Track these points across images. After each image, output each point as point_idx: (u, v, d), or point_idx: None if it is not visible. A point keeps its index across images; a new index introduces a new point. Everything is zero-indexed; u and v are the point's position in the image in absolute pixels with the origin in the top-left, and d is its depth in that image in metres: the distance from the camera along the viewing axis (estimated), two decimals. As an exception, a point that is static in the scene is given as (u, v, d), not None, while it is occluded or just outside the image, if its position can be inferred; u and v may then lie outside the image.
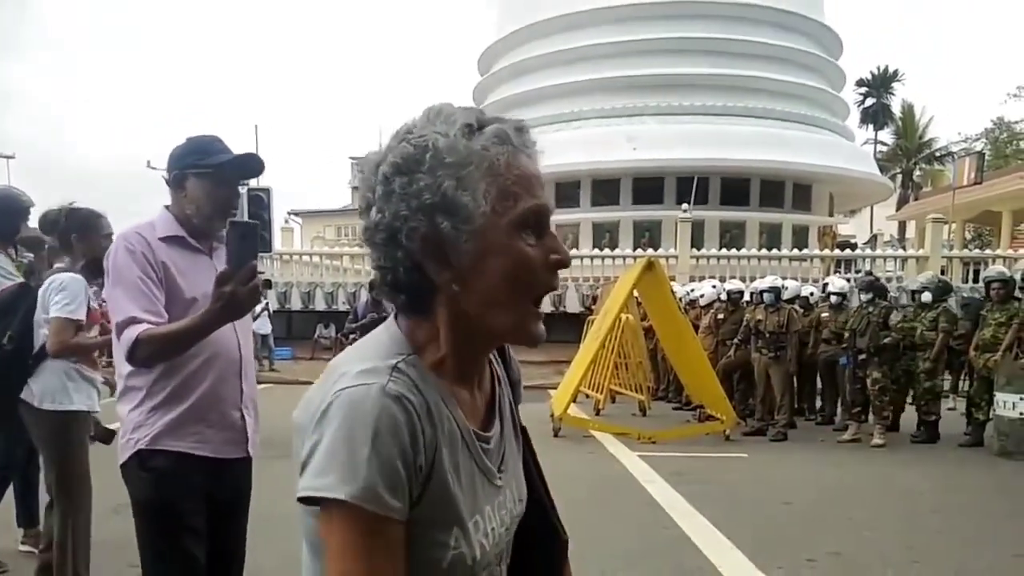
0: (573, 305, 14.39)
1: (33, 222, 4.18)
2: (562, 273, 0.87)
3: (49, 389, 3.14)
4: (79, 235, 3.12)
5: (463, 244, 0.80)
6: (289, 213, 31.84)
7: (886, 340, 7.92)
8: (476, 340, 0.87)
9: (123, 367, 2.01)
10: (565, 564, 1.08)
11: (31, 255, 4.53)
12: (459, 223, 0.80)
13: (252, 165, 2.20)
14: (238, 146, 2.20)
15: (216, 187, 2.09)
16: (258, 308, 12.32)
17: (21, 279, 3.77)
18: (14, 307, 3.28)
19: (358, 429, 0.75)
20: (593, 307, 12.76)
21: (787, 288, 8.95)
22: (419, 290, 0.83)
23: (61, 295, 2.98)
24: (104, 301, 3.38)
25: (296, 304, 17.39)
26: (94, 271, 3.18)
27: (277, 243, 17.27)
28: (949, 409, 9.42)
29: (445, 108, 0.84)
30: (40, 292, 3.10)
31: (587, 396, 9.78)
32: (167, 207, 2.14)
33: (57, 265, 3.22)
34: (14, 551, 4.00)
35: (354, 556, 0.75)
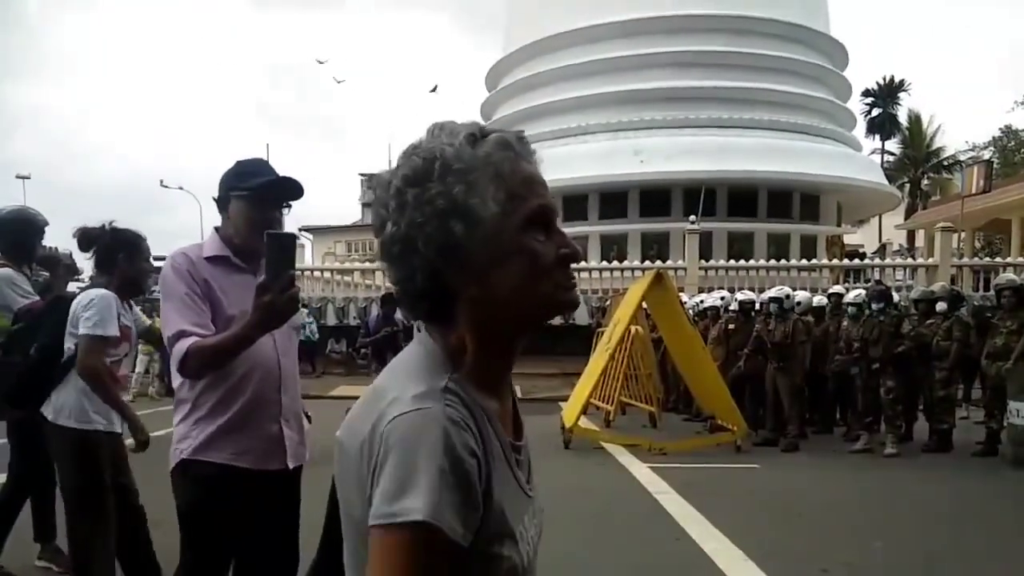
0: (582, 318, 14.36)
1: (48, 240, 4.27)
2: None
3: (66, 405, 3.13)
4: (126, 255, 3.14)
5: (477, 246, 0.83)
6: (300, 229, 32.04)
7: (900, 348, 7.89)
8: (503, 339, 0.89)
9: (175, 380, 2.13)
10: None
11: (46, 273, 4.60)
12: (471, 226, 0.83)
13: (288, 188, 2.20)
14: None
15: (253, 209, 2.14)
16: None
17: (36, 297, 3.83)
18: (46, 320, 3.33)
19: (424, 456, 0.76)
20: (602, 320, 12.76)
21: (790, 298, 8.86)
22: (439, 297, 0.86)
23: (90, 312, 3.00)
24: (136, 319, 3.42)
25: (300, 320, 17.48)
26: (129, 291, 3.21)
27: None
28: (962, 418, 9.36)
29: (448, 124, 0.88)
30: (72, 306, 3.12)
31: (597, 408, 9.76)
32: (216, 229, 2.22)
33: (95, 280, 3.24)
34: (31, 566, 4.02)
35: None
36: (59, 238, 4.72)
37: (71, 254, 4.48)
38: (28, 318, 3.55)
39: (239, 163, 2.20)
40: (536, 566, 0.95)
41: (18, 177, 29.90)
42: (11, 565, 3.89)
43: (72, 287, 4.78)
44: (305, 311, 16.12)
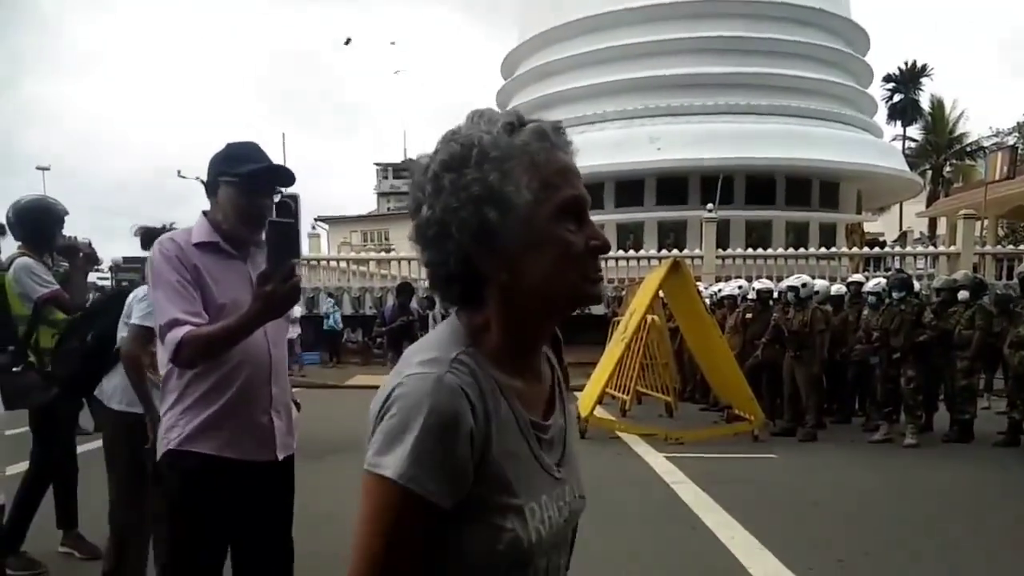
0: (598, 307, 14.36)
1: (67, 230, 4.31)
2: None
3: (117, 389, 3.21)
4: None
5: (509, 233, 0.85)
6: (316, 219, 32.12)
7: (921, 338, 7.80)
8: (529, 325, 0.91)
9: (162, 368, 2.05)
10: None
11: (66, 263, 4.65)
12: (505, 213, 0.85)
13: (279, 177, 2.12)
14: (270, 154, 2.14)
15: (242, 196, 2.06)
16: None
17: (56, 286, 3.87)
18: (105, 309, 3.42)
19: (413, 415, 0.81)
20: (618, 309, 12.72)
21: (807, 287, 8.75)
22: (471, 281, 0.88)
23: (144, 304, 3.03)
24: None
25: (324, 309, 17.57)
26: None
27: (304, 249, 17.47)
28: (983, 408, 9.25)
29: (487, 111, 0.91)
30: (128, 298, 3.19)
31: (613, 397, 9.75)
32: (205, 213, 2.13)
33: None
34: (54, 552, 4.07)
35: (383, 526, 0.82)
36: (79, 228, 4.77)
37: (90, 243, 4.52)
38: (49, 307, 3.62)
39: (229, 146, 2.11)
40: (554, 547, 0.95)
41: (38, 168, 30.19)
42: (34, 551, 3.95)
43: (91, 277, 4.83)
44: (331, 301, 16.41)
